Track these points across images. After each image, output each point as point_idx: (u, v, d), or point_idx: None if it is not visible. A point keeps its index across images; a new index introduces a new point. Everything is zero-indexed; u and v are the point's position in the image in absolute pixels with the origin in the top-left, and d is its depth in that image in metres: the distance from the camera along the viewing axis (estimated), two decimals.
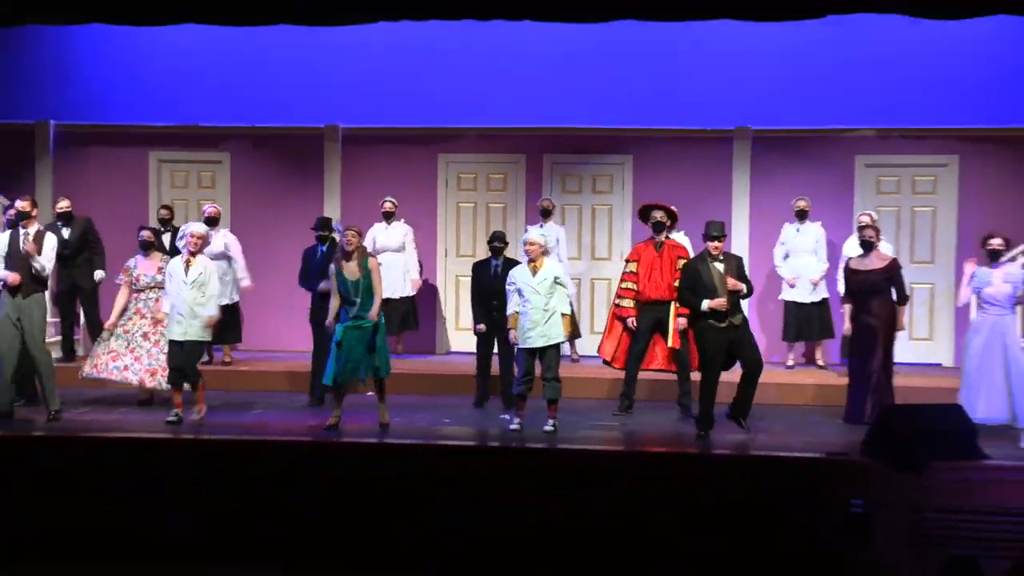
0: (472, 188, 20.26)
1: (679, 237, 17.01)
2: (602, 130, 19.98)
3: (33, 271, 15.34)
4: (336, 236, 15.73)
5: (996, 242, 15.05)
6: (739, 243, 19.18)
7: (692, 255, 16.29)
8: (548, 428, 14.97)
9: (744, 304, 15.09)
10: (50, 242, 15.58)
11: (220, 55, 20.42)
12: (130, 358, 16.21)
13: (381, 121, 20.36)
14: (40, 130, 20.52)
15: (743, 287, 14.70)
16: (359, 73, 20.40)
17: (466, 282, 19.50)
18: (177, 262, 15.42)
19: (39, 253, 15.34)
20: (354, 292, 14.93)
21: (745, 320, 15.00)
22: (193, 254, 15.36)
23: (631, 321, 16.01)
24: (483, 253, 19.29)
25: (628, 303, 16.09)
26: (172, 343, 15.42)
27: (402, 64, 20.25)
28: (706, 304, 14.50)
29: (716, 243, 14.74)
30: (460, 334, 19.96)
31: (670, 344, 16.05)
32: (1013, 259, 16.31)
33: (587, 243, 19.77)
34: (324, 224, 16.40)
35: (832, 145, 19.60)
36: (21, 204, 15.72)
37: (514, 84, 20.22)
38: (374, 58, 20.19)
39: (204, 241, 15.56)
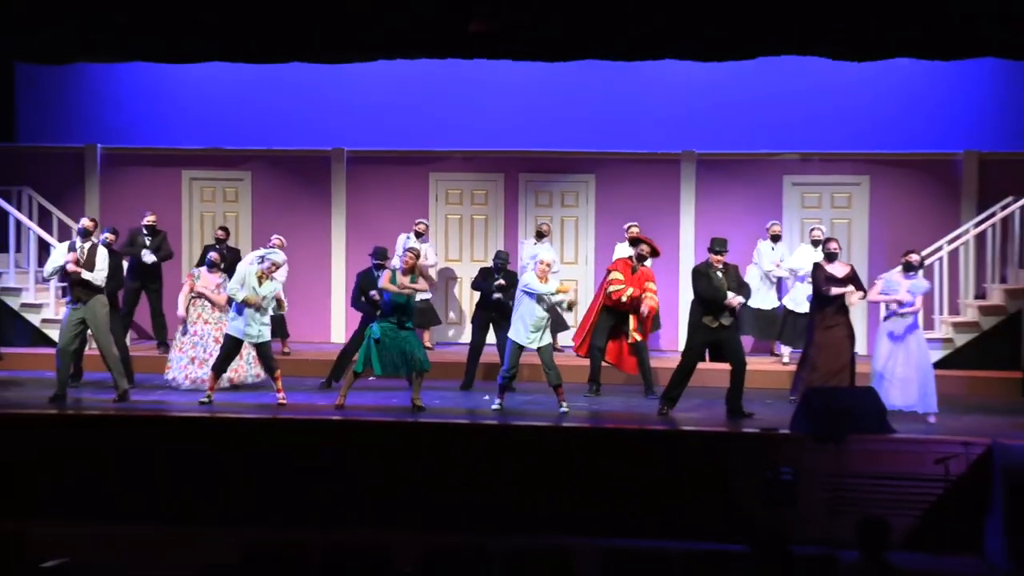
0: (458, 202, 20.32)
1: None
2: (569, 153, 20.12)
3: (84, 279, 15.65)
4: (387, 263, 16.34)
5: (914, 258, 15.31)
6: (686, 247, 19.50)
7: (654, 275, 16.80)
8: (563, 410, 15.27)
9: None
10: (103, 256, 15.85)
11: (243, 87, 20.52)
12: (212, 363, 16.40)
13: (380, 144, 20.46)
14: (88, 153, 20.55)
15: (742, 300, 15.10)
16: (361, 103, 20.52)
17: (453, 284, 19.93)
18: (252, 272, 15.70)
19: (92, 268, 15.64)
20: (406, 308, 15.35)
21: (735, 322, 15.34)
22: (267, 275, 15.70)
23: (629, 295, 16.28)
24: (468, 258, 19.89)
25: (616, 287, 16.38)
26: (230, 338, 15.68)
27: (398, 95, 20.37)
28: (732, 299, 14.89)
29: (718, 256, 15.13)
30: (449, 328, 20.14)
31: (630, 340, 16.46)
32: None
33: (556, 249, 19.63)
34: (382, 254, 16.58)
35: (763, 166, 19.78)
36: (86, 223, 16.11)
37: (494, 113, 20.37)
38: (374, 90, 20.32)
39: (277, 268, 15.92)
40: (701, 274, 15.18)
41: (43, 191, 20.19)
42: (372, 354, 15.29)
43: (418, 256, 15.94)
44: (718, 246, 15.29)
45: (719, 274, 15.07)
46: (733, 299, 14.93)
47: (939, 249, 18.44)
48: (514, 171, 20.27)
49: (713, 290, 14.96)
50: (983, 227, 18.43)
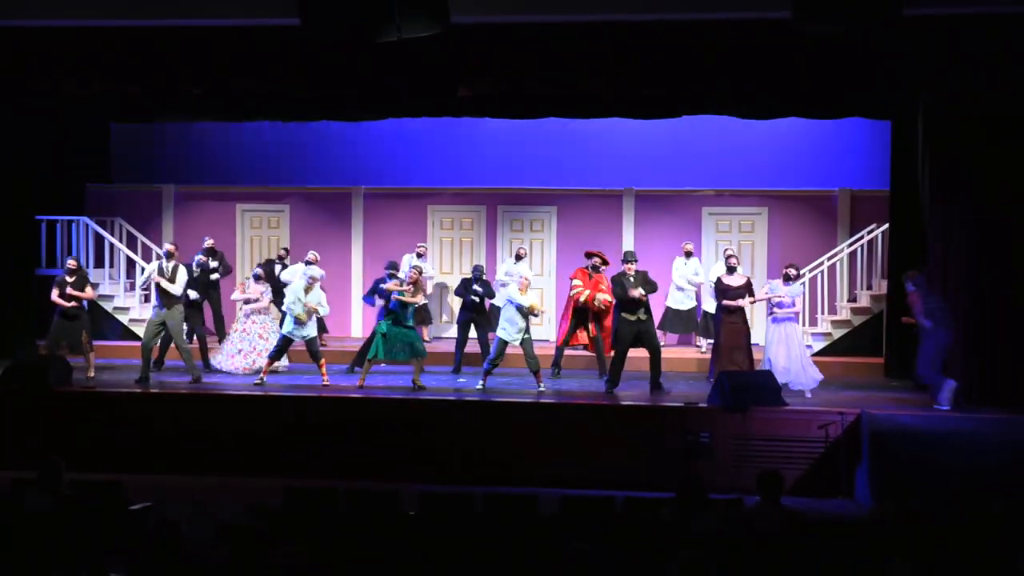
0: (451, 228, 20.22)
1: None
2: (537, 189, 20.09)
3: (170, 292, 15.72)
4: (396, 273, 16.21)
5: (791, 271, 15.42)
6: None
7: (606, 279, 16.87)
8: (541, 389, 15.29)
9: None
10: (182, 274, 15.88)
11: (283, 139, 20.51)
12: (254, 355, 16.49)
13: (390, 183, 20.44)
14: (166, 191, 20.52)
15: (641, 292, 15.13)
16: (375, 151, 20.51)
17: (447, 292, 19.93)
18: (300, 287, 15.79)
19: (174, 282, 15.70)
20: (407, 310, 15.49)
21: (650, 317, 15.39)
22: (310, 287, 15.82)
23: (587, 296, 16.31)
24: (458, 272, 19.73)
25: (577, 289, 16.49)
26: (284, 337, 15.77)
27: (404, 145, 20.39)
28: (634, 293, 15.00)
29: (630, 265, 15.28)
30: (443, 326, 20.00)
31: (591, 334, 16.56)
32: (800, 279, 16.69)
33: (527, 264, 19.54)
34: (394, 265, 16.56)
35: (686, 200, 19.75)
36: (168, 247, 16.16)
37: (478, 158, 20.38)
38: (385, 141, 20.32)
39: (316, 282, 15.99)
40: (616, 280, 15.37)
41: (131, 221, 20.15)
42: (380, 345, 15.42)
43: (420, 272, 16.07)
44: (629, 257, 15.49)
45: (631, 278, 15.20)
46: (633, 291, 15.04)
47: (820, 264, 18.55)
48: (494, 204, 20.17)
49: (623, 290, 15.12)
50: (854, 247, 18.53)
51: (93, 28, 14.96)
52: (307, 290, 15.81)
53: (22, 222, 18.37)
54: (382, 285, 16.08)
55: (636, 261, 15.46)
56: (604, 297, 16.32)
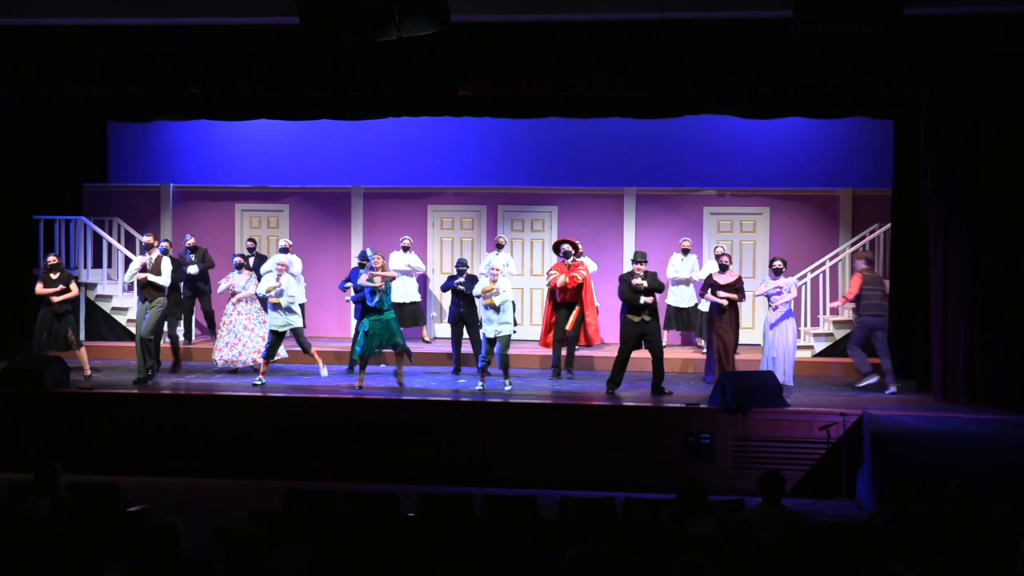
0: (451, 228, 20.19)
1: (587, 261, 17.40)
2: (537, 189, 20.05)
3: (153, 283, 15.72)
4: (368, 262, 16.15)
5: (777, 263, 15.59)
6: (627, 262, 19.10)
7: (590, 270, 16.94)
8: (507, 388, 15.33)
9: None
10: (167, 265, 15.93)
11: (282, 138, 20.48)
12: (240, 346, 16.58)
13: (389, 183, 20.39)
14: (164, 190, 20.48)
15: (652, 299, 15.14)
16: (375, 150, 20.47)
17: (448, 293, 19.92)
18: (271, 278, 15.88)
19: (159, 273, 15.74)
20: (382, 302, 15.45)
21: (655, 319, 15.32)
22: (279, 275, 15.88)
23: (560, 280, 16.50)
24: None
25: (552, 276, 16.70)
26: (272, 332, 15.86)
27: (403, 144, 20.36)
28: (642, 299, 15.04)
29: (639, 265, 15.25)
30: (443, 327, 19.87)
31: (567, 328, 16.60)
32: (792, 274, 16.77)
33: (527, 265, 19.89)
34: (364, 255, 16.42)
35: (688, 200, 19.70)
36: (146, 238, 16.27)
37: (478, 158, 20.36)
38: (385, 140, 20.29)
39: (286, 268, 16.09)
40: (624, 279, 15.35)
41: (129, 220, 20.13)
42: (363, 343, 15.44)
43: (383, 258, 16.12)
44: (639, 257, 15.46)
45: (639, 278, 15.16)
46: (643, 292, 15.05)
47: (822, 264, 18.52)
48: (494, 203, 20.12)
49: (630, 291, 15.11)
50: (856, 247, 18.49)
51: (93, 27, 14.98)
52: (279, 276, 15.96)
53: (20, 222, 18.40)
54: (362, 272, 16.07)
55: (646, 262, 15.43)
56: (579, 275, 16.44)
